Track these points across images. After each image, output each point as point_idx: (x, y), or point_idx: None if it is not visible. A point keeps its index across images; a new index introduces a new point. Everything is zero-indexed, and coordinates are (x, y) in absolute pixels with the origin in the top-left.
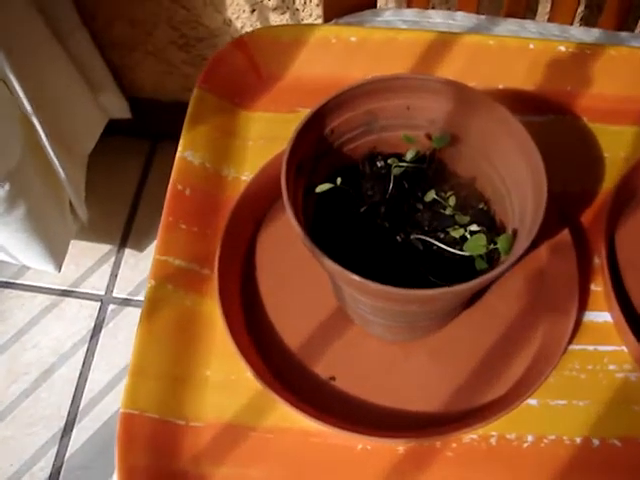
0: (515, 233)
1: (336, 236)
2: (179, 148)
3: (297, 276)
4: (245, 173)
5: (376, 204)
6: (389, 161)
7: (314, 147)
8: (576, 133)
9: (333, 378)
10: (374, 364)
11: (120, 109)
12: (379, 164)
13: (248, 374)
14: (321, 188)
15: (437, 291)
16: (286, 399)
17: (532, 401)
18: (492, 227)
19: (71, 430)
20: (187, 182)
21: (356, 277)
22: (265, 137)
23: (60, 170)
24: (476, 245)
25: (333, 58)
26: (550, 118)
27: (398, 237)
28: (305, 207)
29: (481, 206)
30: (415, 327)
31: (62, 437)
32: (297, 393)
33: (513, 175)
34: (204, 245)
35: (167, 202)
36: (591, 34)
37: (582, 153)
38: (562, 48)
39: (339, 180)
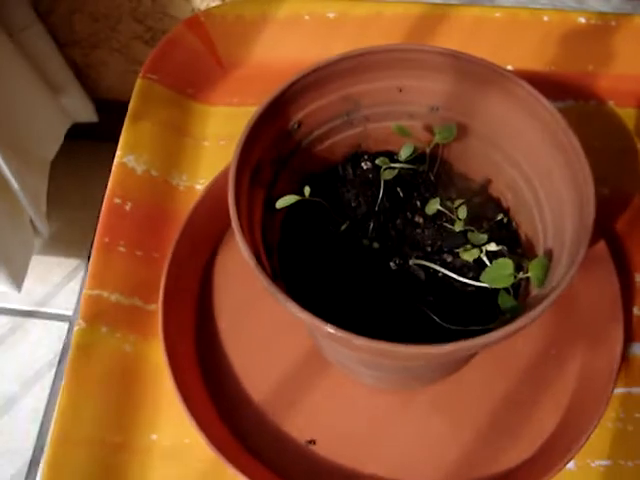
0: (550, 255)
1: (309, 266)
2: (117, 152)
3: (265, 311)
4: (200, 181)
5: (362, 219)
6: (377, 162)
7: (275, 146)
8: (602, 121)
9: (312, 442)
10: (363, 421)
11: (85, 112)
12: (364, 166)
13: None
14: (284, 202)
15: (447, 347)
16: (252, 472)
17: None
18: (515, 245)
19: (37, 464)
20: (128, 194)
21: (334, 330)
22: (225, 136)
23: (12, 179)
24: (499, 274)
25: (307, 38)
26: (569, 104)
27: (392, 263)
28: (266, 228)
29: (499, 217)
30: (415, 377)
31: (28, 472)
32: (267, 463)
33: (542, 175)
34: (149, 273)
35: (102, 219)
36: (612, 3)
37: (610, 145)
38: (581, 20)
39: (307, 190)
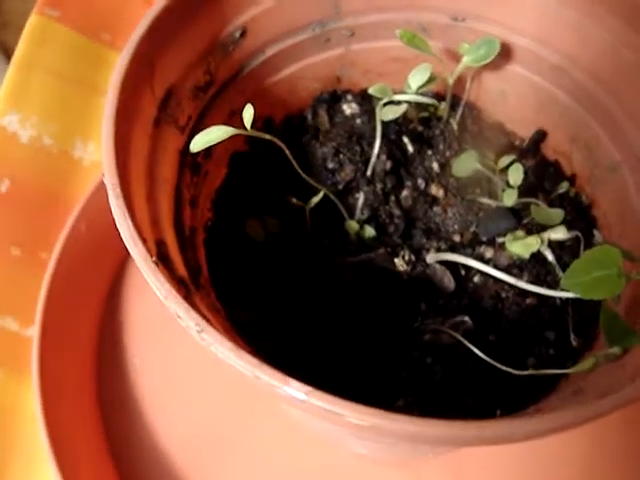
0: None
1: (259, 268)
2: None
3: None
4: None
5: (346, 189)
6: (372, 91)
7: (201, 65)
8: None
9: None
10: None
11: None
12: (347, 110)
13: None
14: (204, 139)
15: (527, 426)
16: None
17: None
18: (590, 230)
19: None
20: (5, 169)
21: (308, 397)
22: None
23: None
24: (598, 275)
25: None
26: None
27: (398, 261)
28: (184, 200)
29: (563, 189)
30: (426, 448)
31: None
32: None
33: None
34: (32, 282)
35: None
36: None
37: None
38: None
39: (249, 120)
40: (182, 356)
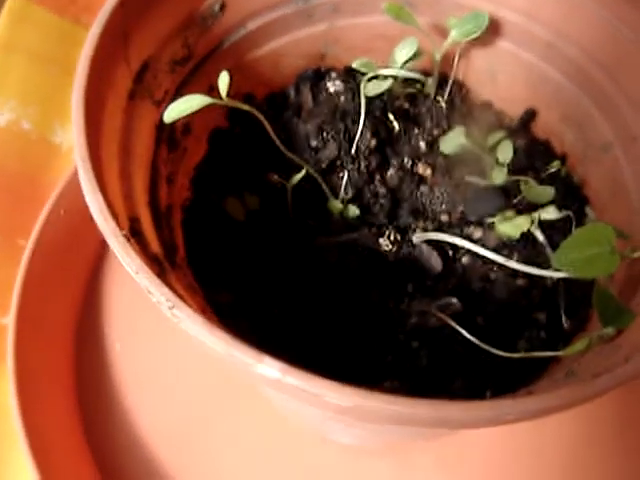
0: None
1: (239, 248)
2: None
3: (185, 341)
4: None
5: (329, 168)
6: (356, 65)
7: (180, 38)
8: None
9: None
10: None
11: None
12: (331, 88)
13: None
14: (178, 109)
15: (522, 405)
16: None
17: None
18: (582, 210)
19: None
20: None
21: (283, 375)
22: None
23: None
24: (592, 253)
25: None
26: None
27: (383, 241)
28: (161, 177)
29: (554, 167)
30: (415, 431)
31: None
32: None
33: None
34: (10, 269)
35: None
36: None
37: None
38: None
39: (224, 89)
40: (165, 342)
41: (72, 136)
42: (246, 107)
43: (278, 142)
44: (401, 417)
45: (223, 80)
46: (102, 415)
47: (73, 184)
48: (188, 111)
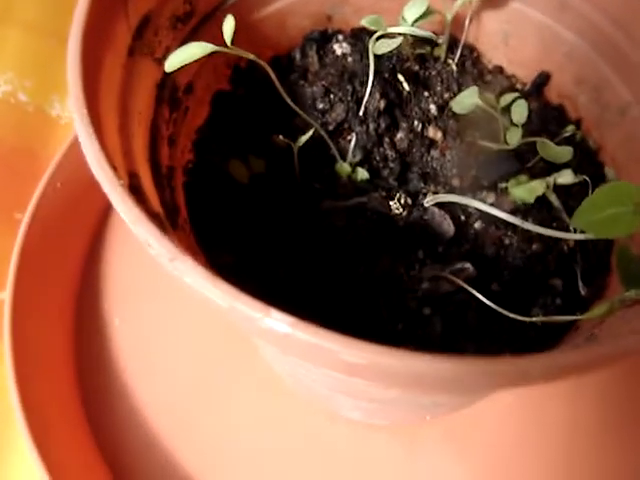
0: None
1: (244, 210)
2: None
3: (186, 315)
4: None
5: (337, 130)
6: (365, 22)
7: None
8: None
9: None
10: (348, 472)
11: None
12: (339, 51)
13: None
14: (179, 58)
15: (504, 364)
16: None
17: None
18: (596, 175)
19: None
20: None
21: (293, 329)
22: None
23: None
24: (611, 212)
25: None
26: None
27: (393, 204)
28: (161, 136)
29: (568, 132)
30: (421, 406)
31: None
32: None
33: None
34: (7, 243)
35: None
36: None
37: None
38: None
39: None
40: (164, 317)
41: (70, 106)
42: (251, 56)
43: (285, 96)
44: (419, 376)
45: (228, 24)
46: (101, 390)
47: (70, 157)
48: (190, 59)
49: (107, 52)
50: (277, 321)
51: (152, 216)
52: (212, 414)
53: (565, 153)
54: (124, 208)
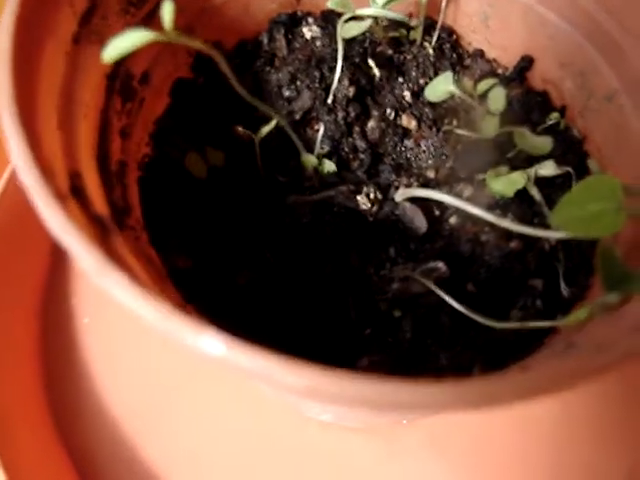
0: None
1: (202, 206)
2: None
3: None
4: None
5: (303, 119)
6: (331, 4)
7: None
8: None
9: None
10: (324, 473)
11: None
12: (308, 34)
13: None
14: (122, 45)
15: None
16: None
17: None
18: (581, 167)
19: None
20: None
21: (226, 352)
22: None
23: None
24: (594, 209)
25: None
26: None
27: (361, 198)
28: (112, 130)
29: (552, 120)
30: (393, 413)
31: None
32: None
33: None
34: None
35: None
36: None
37: None
38: None
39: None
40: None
41: None
42: (197, 44)
43: (238, 87)
44: (365, 401)
45: (167, 8)
46: (69, 389)
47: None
48: (130, 48)
49: (48, 40)
50: (212, 342)
51: (93, 220)
52: (182, 416)
53: (544, 144)
54: (49, 216)
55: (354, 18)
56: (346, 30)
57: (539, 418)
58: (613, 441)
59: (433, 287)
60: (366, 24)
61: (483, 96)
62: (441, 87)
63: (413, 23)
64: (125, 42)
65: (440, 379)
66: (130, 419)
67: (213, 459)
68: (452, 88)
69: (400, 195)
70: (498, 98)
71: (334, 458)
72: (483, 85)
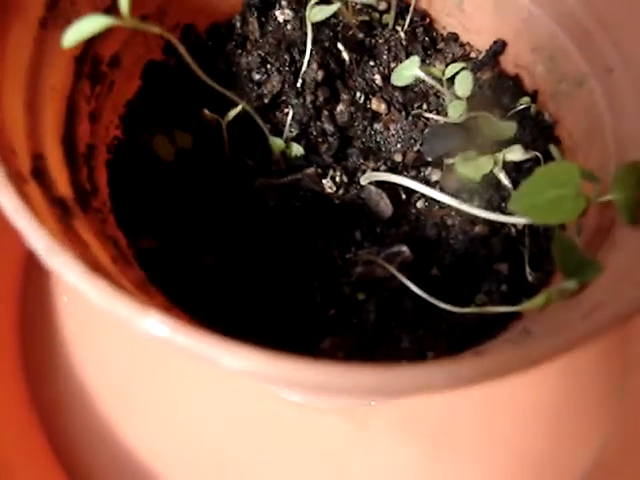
0: None
1: (171, 190)
2: None
3: None
4: None
5: (272, 103)
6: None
7: None
8: None
9: None
10: (292, 457)
11: None
12: (281, 17)
13: None
14: (81, 30)
15: (428, 371)
16: None
17: None
18: (548, 152)
19: None
20: None
21: (173, 334)
22: None
23: None
24: (553, 195)
25: None
26: None
27: (327, 182)
28: (80, 113)
29: (523, 104)
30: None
31: None
32: None
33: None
34: None
35: None
36: None
37: None
38: None
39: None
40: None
41: None
42: (156, 29)
43: (201, 73)
44: (295, 382)
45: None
46: (48, 368)
47: None
48: (88, 35)
49: (14, 24)
50: (156, 324)
51: (54, 202)
52: (163, 398)
53: (509, 130)
54: (3, 196)
55: (324, 1)
56: (314, 14)
57: (505, 398)
58: (580, 420)
59: (395, 272)
60: (333, 8)
61: (452, 80)
62: (407, 72)
63: (382, 7)
64: (84, 27)
65: (374, 365)
66: (110, 402)
67: (193, 438)
68: (418, 72)
69: (365, 179)
70: (465, 82)
71: (306, 439)
72: (451, 69)
